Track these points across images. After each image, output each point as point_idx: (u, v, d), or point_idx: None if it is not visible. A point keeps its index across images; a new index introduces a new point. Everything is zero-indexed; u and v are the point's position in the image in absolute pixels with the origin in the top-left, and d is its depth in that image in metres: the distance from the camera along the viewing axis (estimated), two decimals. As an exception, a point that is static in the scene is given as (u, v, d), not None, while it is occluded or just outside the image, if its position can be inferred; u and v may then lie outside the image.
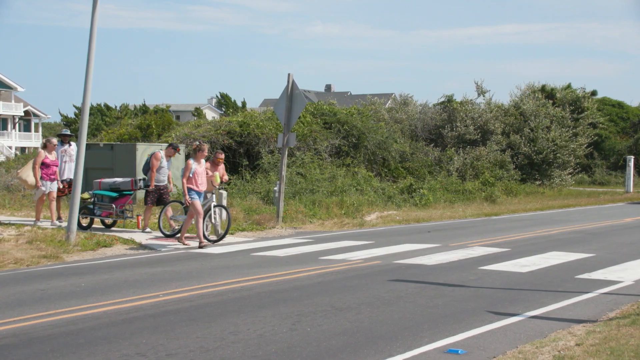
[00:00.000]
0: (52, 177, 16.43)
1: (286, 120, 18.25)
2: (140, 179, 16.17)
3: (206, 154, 14.41)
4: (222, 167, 15.46)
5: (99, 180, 16.55)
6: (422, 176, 28.70)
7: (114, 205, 16.03)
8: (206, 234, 14.71)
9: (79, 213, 15.29)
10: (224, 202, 16.23)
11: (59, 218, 16.95)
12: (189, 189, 14.04)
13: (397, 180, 28.02)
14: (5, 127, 72.55)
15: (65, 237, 14.20)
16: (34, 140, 74.47)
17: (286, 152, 18.73)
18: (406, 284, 10.03)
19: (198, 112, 67.55)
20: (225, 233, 14.68)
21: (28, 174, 16.47)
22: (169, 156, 16.24)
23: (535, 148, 34.20)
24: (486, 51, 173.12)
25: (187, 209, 14.45)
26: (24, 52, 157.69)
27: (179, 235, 14.77)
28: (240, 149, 26.42)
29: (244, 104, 74.19)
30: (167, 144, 16.99)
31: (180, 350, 6.80)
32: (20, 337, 7.35)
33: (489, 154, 31.99)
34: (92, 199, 16.20)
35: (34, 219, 16.73)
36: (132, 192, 16.37)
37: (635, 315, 7.80)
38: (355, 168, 26.35)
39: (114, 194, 16.14)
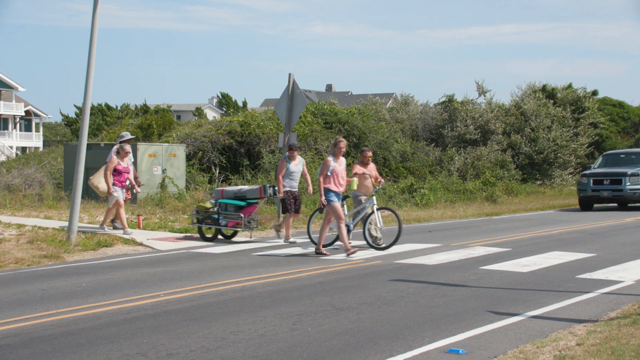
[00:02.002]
0: (124, 184, 15.83)
1: (287, 120, 18.25)
2: (269, 186, 15.04)
3: (344, 150, 13.19)
4: (372, 166, 14.16)
5: (220, 188, 15.58)
6: (423, 176, 28.71)
7: (241, 215, 14.94)
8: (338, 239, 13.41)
9: (202, 223, 15.17)
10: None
11: (110, 222, 16.38)
12: (327, 190, 12.88)
13: (398, 180, 28.03)
14: (6, 127, 72.58)
15: (66, 237, 14.21)
16: (34, 140, 74.51)
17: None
18: (407, 284, 10.03)
19: (199, 112, 67.59)
20: (396, 240, 13.31)
21: (100, 181, 15.87)
22: (293, 158, 14.93)
23: (536, 148, 34.20)
24: (486, 51, 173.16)
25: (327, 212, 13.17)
26: (25, 52, 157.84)
27: (334, 242, 13.78)
28: (241, 148, 26.43)
29: (244, 103, 74.22)
30: (289, 148, 15.37)
31: (181, 350, 6.80)
32: (21, 336, 7.35)
33: (489, 153, 31.99)
34: (216, 209, 15.19)
35: (101, 224, 16.17)
36: (259, 200, 15.29)
37: (636, 315, 7.80)
38: (356, 168, 26.31)
39: (241, 203, 15.10)
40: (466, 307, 8.53)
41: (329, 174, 12.92)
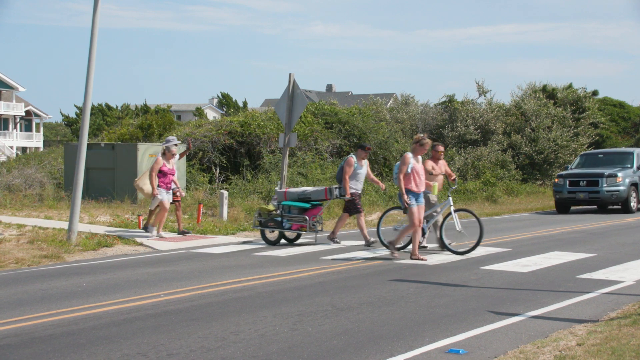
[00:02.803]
0: (169, 186, 15.49)
1: (287, 120, 18.25)
2: (335, 187, 14.42)
3: (427, 149, 12.33)
4: (443, 162, 13.69)
5: (283, 190, 15.05)
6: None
7: (306, 217, 14.41)
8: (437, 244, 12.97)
9: (265, 226, 14.72)
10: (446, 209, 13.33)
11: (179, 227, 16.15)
12: (407, 190, 11.99)
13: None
14: (6, 127, 72.60)
15: (67, 237, 14.21)
16: (35, 140, 74.54)
17: (287, 152, 18.72)
18: (407, 284, 10.03)
19: (199, 112, 67.60)
20: (477, 244, 12.62)
21: (145, 182, 15.65)
22: (362, 159, 14.56)
23: (537, 148, 34.18)
24: (487, 51, 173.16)
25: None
26: (25, 52, 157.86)
27: (398, 246, 12.91)
28: (242, 148, 26.43)
29: (245, 103, 74.22)
30: (358, 147, 15.00)
31: (182, 350, 6.80)
32: (22, 336, 7.36)
33: (490, 153, 31.98)
34: (279, 211, 14.72)
35: (154, 230, 15.80)
36: (324, 202, 14.75)
37: (636, 315, 7.80)
38: (356, 168, 26.32)
39: (305, 205, 14.52)
40: (466, 307, 8.53)
41: (408, 171, 11.95)
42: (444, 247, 13.05)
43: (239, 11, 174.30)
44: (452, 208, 12.84)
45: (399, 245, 12.71)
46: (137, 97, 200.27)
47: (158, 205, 15.52)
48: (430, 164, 13.35)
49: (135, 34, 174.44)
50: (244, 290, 9.72)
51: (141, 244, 14.62)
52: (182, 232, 15.90)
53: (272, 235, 14.94)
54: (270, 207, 14.88)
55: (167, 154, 15.49)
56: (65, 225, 15.52)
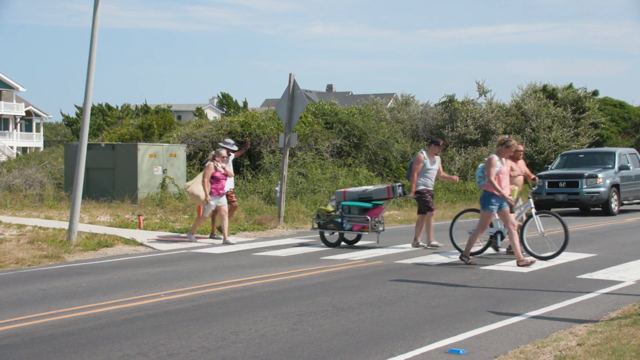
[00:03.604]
0: (221, 192, 15.01)
1: (287, 120, 18.25)
2: (398, 185, 13.83)
3: (513, 151, 11.84)
4: (522, 162, 13.09)
5: (342, 189, 14.50)
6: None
7: (368, 217, 13.80)
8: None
9: (325, 228, 14.22)
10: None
11: (212, 234, 15.87)
12: (490, 193, 11.39)
13: (398, 180, 28.02)
14: (6, 127, 72.61)
15: (67, 237, 14.22)
16: (35, 140, 74.56)
17: (287, 152, 18.74)
18: (407, 284, 10.03)
19: (199, 112, 67.60)
20: (563, 248, 11.88)
21: (199, 189, 15.02)
22: (434, 154, 13.96)
23: (537, 148, 34.19)
24: (486, 51, 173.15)
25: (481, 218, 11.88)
26: (25, 52, 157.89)
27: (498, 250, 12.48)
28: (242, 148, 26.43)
29: (245, 104, 74.21)
30: (430, 142, 14.31)
31: (182, 350, 6.80)
32: (22, 337, 7.36)
33: (490, 153, 31.99)
34: (338, 212, 14.15)
35: (208, 235, 15.76)
36: (386, 201, 14.11)
37: (636, 315, 7.79)
38: (357, 168, 26.36)
39: (366, 205, 13.92)
40: (467, 307, 8.53)
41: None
42: (527, 251, 12.20)
43: (239, 11, 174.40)
44: (534, 211, 12.22)
45: (474, 250, 12.17)
46: (137, 97, 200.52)
47: (215, 211, 15.19)
48: (509, 164, 12.81)
49: (135, 34, 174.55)
50: (244, 290, 9.72)
51: (141, 244, 14.62)
52: (213, 237, 15.69)
53: (332, 237, 14.46)
54: (330, 207, 14.33)
55: (217, 158, 15.03)
56: (65, 225, 15.53)
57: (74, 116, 68.95)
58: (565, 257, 12.43)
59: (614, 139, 45.50)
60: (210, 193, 14.81)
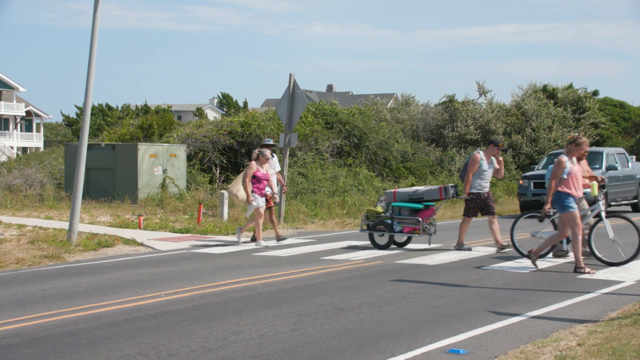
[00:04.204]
0: (263, 191, 14.54)
1: (288, 121, 18.26)
2: (451, 186, 13.42)
3: (583, 150, 11.30)
4: (584, 163, 12.48)
5: (392, 190, 14.11)
6: (423, 176, 28.72)
7: (419, 219, 13.38)
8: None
9: (374, 230, 13.77)
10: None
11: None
12: (566, 194, 10.84)
13: (398, 180, 28.03)
14: (6, 127, 72.62)
15: (67, 237, 14.22)
16: (35, 140, 74.57)
17: (288, 152, 18.74)
18: (408, 284, 10.03)
19: (200, 112, 67.61)
20: (637, 254, 11.27)
21: (239, 188, 14.71)
22: (491, 155, 13.36)
23: (537, 148, 34.18)
24: (486, 51, 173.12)
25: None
26: (25, 52, 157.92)
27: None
28: (242, 149, 26.44)
29: (245, 104, 74.22)
30: (488, 142, 13.66)
31: (182, 350, 6.80)
32: (23, 337, 7.36)
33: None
34: (388, 213, 13.69)
35: (256, 239, 14.78)
36: (438, 202, 13.75)
37: (637, 315, 7.80)
38: (357, 168, 26.37)
39: (417, 206, 13.50)
40: (467, 307, 8.53)
41: (564, 177, 10.86)
42: (592, 256, 11.69)
43: (239, 11, 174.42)
44: (603, 213, 11.60)
45: (542, 253, 11.60)
46: (137, 97, 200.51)
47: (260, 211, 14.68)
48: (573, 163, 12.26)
49: (135, 34, 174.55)
50: (245, 291, 9.72)
51: (142, 244, 14.62)
52: (280, 238, 15.08)
53: (382, 239, 13.92)
54: (379, 208, 13.87)
55: (261, 158, 14.57)
56: (65, 225, 15.53)
57: (74, 116, 68.96)
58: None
59: (614, 139, 45.52)
60: (252, 192, 14.36)
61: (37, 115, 76.75)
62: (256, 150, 14.75)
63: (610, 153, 22.80)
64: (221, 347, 6.89)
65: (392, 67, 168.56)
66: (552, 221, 11.91)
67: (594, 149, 25.11)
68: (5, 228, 16.21)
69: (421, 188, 13.80)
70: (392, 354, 6.63)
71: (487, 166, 13.26)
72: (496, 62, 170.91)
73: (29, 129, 75.70)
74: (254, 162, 14.51)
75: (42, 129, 78.32)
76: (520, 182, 22.20)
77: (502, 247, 13.04)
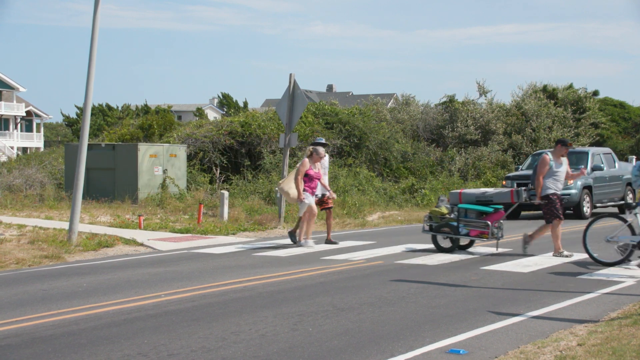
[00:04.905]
0: (314, 190, 14.16)
1: (288, 121, 18.26)
2: (523, 189, 12.82)
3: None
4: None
5: (457, 191, 13.50)
6: (423, 176, 28.72)
7: (488, 222, 12.73)
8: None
9: (438, 232, 13.16)
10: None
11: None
12: None
13: (398, 180, 28.04)
14: (7, 128, 72.63)
15: (67, 238, 14.22)
16: (35, 140, 74.58)
17: (288, 152, 18.74)
18: (408, 284, 10.03)
19: (200, 112, 67.62)
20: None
21: (290, 186, 14.13)
22: (560, 155, 12.71)
23: (537, 148, 34.18)
24: (486, 51, 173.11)
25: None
26: (25, 52, 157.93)
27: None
28: (242, 149, 26.45)
29: (245, 104, 74.25)
30: (557, 142, 12.85)
31: (182, 350, 6.80)
32: (23, 337, 7.36)
33: (490, 154, 31.99)
34: (454, 215, 13.08)
35: (304, 239, 14.34)
36: (508, 205, 13.18)
37: (637, 315, 7.80)
38: (357, 168, 26.37)
39: (487, 209, 12.95)
40: (467, 307, 8.53)
41: None
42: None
43: (239, 11, 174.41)
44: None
45: (609, 260, 11.43)
46: (137, 97, 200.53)
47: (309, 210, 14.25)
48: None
49: (135, 34, 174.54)
50: (245, 291, 9.72)
51: (142, 244, 14.62)
52: (330, 242, 14.68)
53: (446, 242, 13.34)
54: (443, 209, 13.25)
55: (314, 156, 14.18)
56: (65, 225, 15.53)
57: (74, 116, 68.98)
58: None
59: (614, 139, 45.52)
60: (304, 191, 13.98)
61: (37, 116, 76.76)
62: (310, 147, 14.38)
63: (596, 153, 22.31)
64: (221, 347, 6.89)
65: (392, 67, 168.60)
66: (630, 225, 11.41)
67: (580, 149, 24.38)
68: (6, 228, 16.21)
69: (490, 190, 13.27)
70: (392, 354, 6.63)
71: (557, 166, 12.62)
72: (496, 62, 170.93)
73: (29, 129, 75.72)
74: (307, 160, 14.13)
75: (42, 129, 78.34)
76: (504, 182, 21.72)
77: (561, 255, 12.57)
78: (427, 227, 13.42)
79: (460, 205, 13.07)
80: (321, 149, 14.29)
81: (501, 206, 13.11)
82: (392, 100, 48.54)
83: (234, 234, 16.72)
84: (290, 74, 18.34)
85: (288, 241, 15.30)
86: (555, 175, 12.55)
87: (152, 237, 15.43)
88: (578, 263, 11.95)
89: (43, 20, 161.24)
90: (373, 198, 23.36)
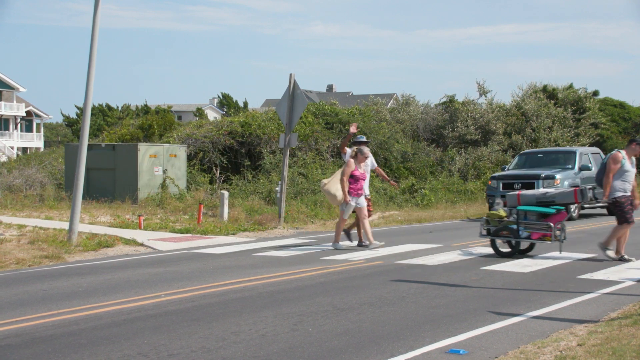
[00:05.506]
0: (360, 192, 13.73)
1: (288, 121, 18.26)
2: (589, 188, 12.20)
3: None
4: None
5: (515, 192, 12.91)
6: (423, 176, 28.72)
7: (550, 224, 12.09)
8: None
9: (497, 235, 12.61)
10: None
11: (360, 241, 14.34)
12: None
13: (398, 180, 28.04)
14: (7, 128, 72.62)
15: (67, 238, 14.22)
16: (35, 140, 74.58)
17: (288, 153, 18.74)
18: (408, 284, 10.03)
19: (200, 113, 67.61)
20: None
21: (336, 188, 13.64)
22: (633, 155, 12.06)
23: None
24: (486, 51, 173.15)
25: None
26: (25, 52, 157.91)
27: None
28: (242, 149, 26.45)
29: (245, 104, 74.26)
30: (630, 141, 12.23)
31: (182, 351, 6.80)
32: (23, 337, 7.36)
33: (490, 154, 31.99)
34: (512, 217, 12.56)
35: (333, 241, 14.06)
36: (570, 205, 12.39)
37: (637, 316, 7.80)
38: (357, 168, 26.34)
39: (549, 210, 12.30)
40: (467, 307, 8.53)
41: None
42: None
43: (239, 11, 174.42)
44: None
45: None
46: (137, 98, 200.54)
47: (354, 213, 13.94)
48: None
49: (135, 34, 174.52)
50: (245, 291, 9.72)
51: (142, 244, 14.62)
52: (362, 244, 14.24)
53: (505, 246, 12.84)
54: (501, 212, 12.72)
55: (359, 156, 13.72)
56: (65, 225, 15.53)
57: (74, 116, 68.97)
58: (565, 257, 12.44)
59: (614, 139, 45.51)
60: (349, 192, 13.58)
61: (37, 116, 76.76)
62: (354, 148, 13.89)
63: (584, 153, 21.95)
64: (221, 348, 6.89)
65: (392, 67, 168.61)
66: None
67: (567, 148, 24.22)
68: (6, 228, 16.20)
69: (551, 190, 12.71)
70: (393, 354, 6.63)
71: (629, 166, 11.87)
72: (496, 62, 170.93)
73: (29, 129, 75.72)
74: (352, 160, 13.67)
75: (42, 129, 78.33)
76: (489, 182, 21.33)
77: (622, 259, 12.03)
78: (484, 232, 12.86)
79: (519, 207, 12.50)
80: (366, 149, 13.82)
81: (563, 207, 12.55)
82: (392, 100, 48.54)
83: (234, 234, 16.72)
84: (290, 74, 18.35)
85: (288, 241, 15.29)
86: (624, 176, 11.84)
87: (152, 237, 15.43)
88: (578, 263, 11.95)
89: (43, 20, 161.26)
90: (373, 198, 23.34)
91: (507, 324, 7.69)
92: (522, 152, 24.58)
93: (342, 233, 14.31)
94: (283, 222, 18.28)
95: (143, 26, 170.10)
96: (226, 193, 18.92)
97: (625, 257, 12.03)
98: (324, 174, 24.18)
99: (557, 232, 12.12)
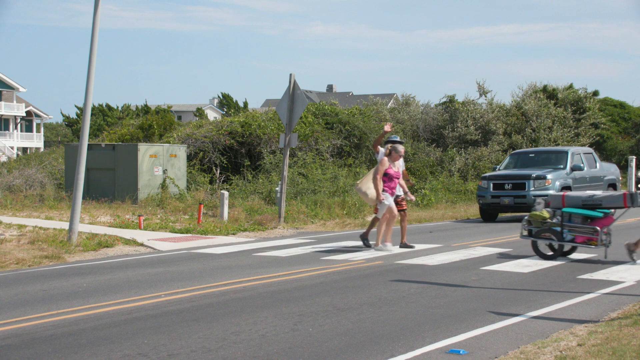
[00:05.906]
0: (393, 191, 13.46)
1: (288, 121, 18.26)
2: (639, 193, 11.76)
3: None
4: None
5: (559, 193, 12.54)
6: (424, 176, 28.72)
7: (597, 228, 11.74)
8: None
9: (539, 237, 12.26)
10: None
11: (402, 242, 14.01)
12: None
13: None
14: (7, 128, 72.62)
15: (67, 238, 14.22)
16: (35, 140, 74.57)
17: (288, 153, 18.74)
18: (408, 284, 10.03)
19: (200, 113, 67.61)
20: None
21: (369, 186, 13.41)
22: None
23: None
24: (487, 51, 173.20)
25: None
26: (25, 52, 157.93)
27: None
28: (242, 149, 26.44)
29: (245, 104, 74.23)
30: None
31: (182, 351, 6.80)
32: (23, 337, 7.36)
33: (490, 154, 31.98)
34: (556, 219, 12.17)
35: (376, 242, 13.66)
36: (617, 209, 12.14)
37: (637, 316, 7.80)
38: (357, 168, 26.37)
39: (596, 214, 11.91)
40: (467, 307, 8.53)
41: None
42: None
43: (239, 11, 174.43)
44: None
45: None
46: (137, 98, 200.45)
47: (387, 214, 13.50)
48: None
49: (135, 34, 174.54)
50: (245, 291, 9.72)
51: (142, 244, 14.63)
52: (405, 245, 13.95)
53: (548, 248, 12.48)
54: (545, 213, 12.28)
55: (393, 154, 13.43)
56: (65, 225, 15.53)
57: (75, 116, 68.99)
58: (566, 257, 12.43)
59: (614, 139, 45.51)
60: (383, 191, 13.30)
61: (37, 116, 76.76)
62: (389, 146, 13.56)
63: (575, 153, 21.59)
64: (221, 348, 6.89)
65: (392, 67, 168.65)
66: None
67: (559, 148, 23.92)
68: (6, 228, 16.20)
69: (598, 193, 12.23)
70: (393, 354, 6.63)
71: None
72: (496, 62, 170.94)
73: (29, 129, 75.71)
74: (386, 159, 13.41)
75: (42, 129, 78.33)
76: (480, 183, 20.92)
77: None
78: (525, 232, 12.50)
79: (564, 209, 12.14)
80: (400, 147, 13.53)
81: (609, 211, 12.14)
82: (392, 100, 48.53)
83: (234, 234, 16.72)
84: (290, 74, 18.35)
85: (288, 241, 15.28)
86: None
87: (152, 237, 15.43)
88: (578, 263, 11.94)
89: (43, 20, 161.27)
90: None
91: (507, 324, 7.69)
92: (513, 152, 24.35)
93: (360, 238, 14.07)
94: (283, 222, 18.28)
95: (143, 26, 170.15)
96: (226, 193, 18.92)
97: None
98: (323, 174, 24.18)
99: (604, 237, 11.84)
